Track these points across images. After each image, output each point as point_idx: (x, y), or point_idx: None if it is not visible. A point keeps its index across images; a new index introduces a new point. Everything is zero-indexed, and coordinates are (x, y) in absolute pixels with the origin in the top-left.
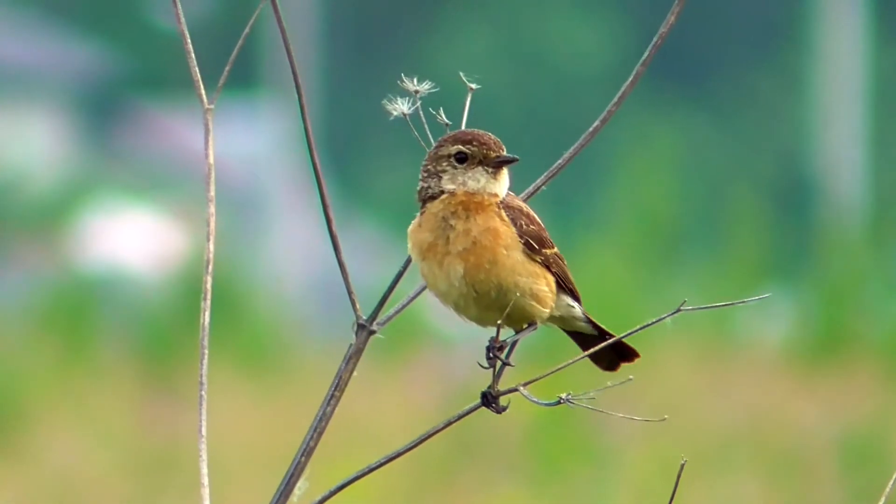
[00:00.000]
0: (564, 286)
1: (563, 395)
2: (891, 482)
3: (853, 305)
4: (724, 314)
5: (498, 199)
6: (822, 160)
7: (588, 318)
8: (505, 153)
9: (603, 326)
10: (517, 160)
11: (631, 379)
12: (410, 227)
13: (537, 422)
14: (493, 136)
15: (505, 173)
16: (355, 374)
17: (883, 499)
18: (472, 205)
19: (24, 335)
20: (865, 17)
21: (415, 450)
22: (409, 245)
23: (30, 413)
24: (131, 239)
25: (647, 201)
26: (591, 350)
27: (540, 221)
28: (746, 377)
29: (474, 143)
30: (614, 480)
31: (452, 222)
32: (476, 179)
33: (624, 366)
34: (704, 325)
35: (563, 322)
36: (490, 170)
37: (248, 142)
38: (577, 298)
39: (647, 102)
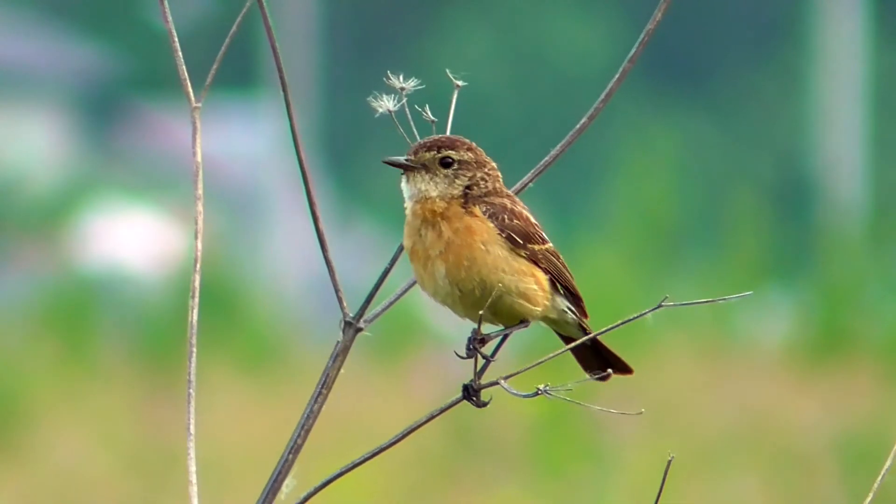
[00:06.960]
0: (559, 284)
1: (541, 387)
2: (878, 479)
3: (853, 305)
4: (724, 313)
5: (443, 199)
6: (822, 160)
7: (581, 326)
8: (403, 158)
9: (594, 333)
10: (397, 162)
11: (609, 373)
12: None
13: (537, 422)
14: (421, 141)
15: (412, 175)
16: (356, 374)
17: (871, 495)
18: (431, 211)
19: (24, 335)
20: (865, 17)
21: (415, 450)
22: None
23: (30, 413)
24: (131, 239)
25: (647, 201)
26: (573, 344)
27: (529, 217)
28: (746, 377)
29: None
30: (614, 480)
31: (423, 231)
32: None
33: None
34: (704, 324)
35: (557, 325)
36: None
37: (248, 142)
38: (577, 298)
39: (647, 102)
